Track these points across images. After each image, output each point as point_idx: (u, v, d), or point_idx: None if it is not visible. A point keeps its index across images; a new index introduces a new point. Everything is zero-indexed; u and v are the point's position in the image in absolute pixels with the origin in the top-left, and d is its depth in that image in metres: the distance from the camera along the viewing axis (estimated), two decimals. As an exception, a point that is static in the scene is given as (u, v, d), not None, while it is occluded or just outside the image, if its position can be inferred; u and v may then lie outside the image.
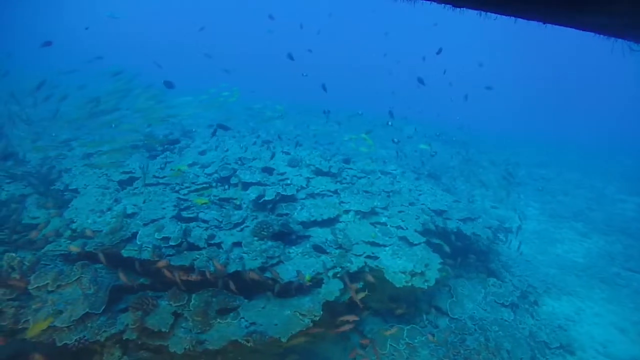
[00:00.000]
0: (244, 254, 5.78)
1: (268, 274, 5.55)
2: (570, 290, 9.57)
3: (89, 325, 4.67)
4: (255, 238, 6.11)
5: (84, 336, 4.54)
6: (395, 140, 13.11)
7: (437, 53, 13.01)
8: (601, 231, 13.63)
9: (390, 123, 12.91)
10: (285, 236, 6.48)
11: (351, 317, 5.42)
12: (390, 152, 17.32)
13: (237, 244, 6.03)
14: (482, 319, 6.84)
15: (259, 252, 5.79)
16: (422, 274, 6.58)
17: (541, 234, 13.43)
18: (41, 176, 8.19)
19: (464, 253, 8.30)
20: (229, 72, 14.97)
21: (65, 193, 7.75)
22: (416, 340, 6.25)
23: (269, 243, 6.01)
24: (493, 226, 9.30)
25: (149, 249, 5.62)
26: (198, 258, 5.52)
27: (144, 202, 7.11)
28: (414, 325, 6.52)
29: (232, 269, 5.47)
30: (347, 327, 5.44)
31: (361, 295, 5.64)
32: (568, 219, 14.75)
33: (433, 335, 6.40)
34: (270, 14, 13.34)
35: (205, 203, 7.13)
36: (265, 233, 6.10)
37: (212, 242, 5.92)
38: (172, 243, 5.69)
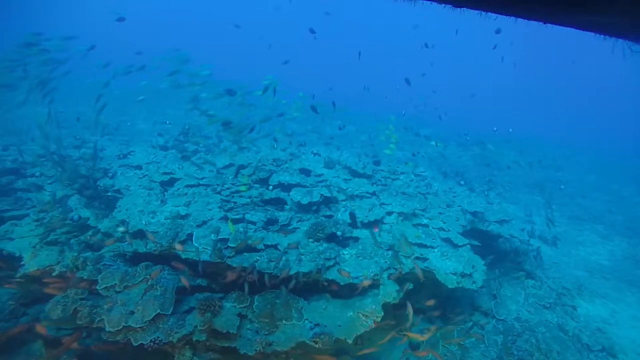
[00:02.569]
0: (301, 256, 5.81)
1: (330, 275, 5.58)
2: (602, 292, 9.63)
3: (160, 326, 4.70)
4: (310, 239, 6.15)
5: (158, 337, 4.57)
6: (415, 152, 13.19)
7: (425, 46, 12.83)
8: (623, 234, 13.72)
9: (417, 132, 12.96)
10: (335, 237, 6.53)
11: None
12: (406, 153, 17.43)
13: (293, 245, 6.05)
14: (527, 321, 6.89)
15: (316, 254, 5.82)
16: (470, 275, 6.64)
17: (563, 236, 13.49)
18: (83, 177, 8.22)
19: (501, 254, 8.36)
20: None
21: (108, 194, 7.78)
22: (467, 341, 6.30)
23: (325, 245, 6.05)
24: (526, 228, 9.36)
25: (207, 250, 5.66)
26: (259, 260, 5.56)
27: (186, 204, 7.14)
28: (462, 326, 6.58)
29: (292, 270, 5.50)
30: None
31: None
32: (588, 222, 14.84)
33: (482, 336, 6.46)
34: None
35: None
36: (320, 235, 6.14)
37: (268, 243, 5.95)
38: (231, 244, 5.72)
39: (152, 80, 10.16)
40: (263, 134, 10.87)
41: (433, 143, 13.87)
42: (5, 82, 9.33)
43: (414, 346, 6.35)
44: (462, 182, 12.11)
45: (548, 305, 7.56)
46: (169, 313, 4.82)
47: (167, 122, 11.48)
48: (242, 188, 7.72)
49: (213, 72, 9.20)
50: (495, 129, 19.04)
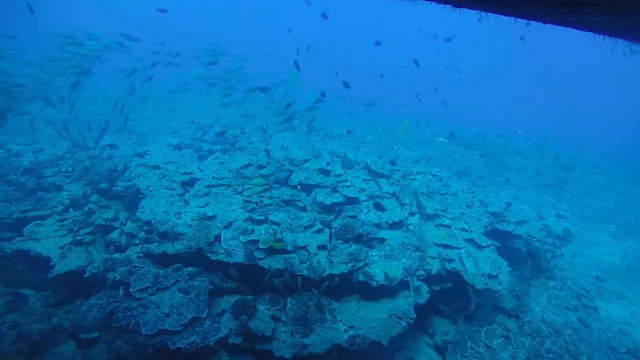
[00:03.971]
0: (331, 257, 5.78)
1: (361, 277, 5.55)
2: (620, 293, 9.63)
3: (197, 329, 4.66)
4: (340, 241, 6.11)
5: (195, 340, 4.54)
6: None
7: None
8: (634, 234, 13.72)
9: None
10: (362, 238, 6.49)
11: None
12: (414, 153, 17.37)
13: (322, 247, 6.02)
14: (553, 322, 6.87)
15: (346, 255, 5.79)
16: (496, 276, 6.62)
17: (575, 236, 13.48)
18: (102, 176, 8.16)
19: (522, 255, 8.34)
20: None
21: (128, 194, 7.72)
22: (494, 343, 6.29)
23: (354, 246, 6.01)
24: (542, 228, 9.35)
25: (236, 252, 5.62)
26: (290, 261, 5.51)
27: (206, 204, 7.10)
28: (489, 327, 6.55)
29: (324, 272, 5.47)
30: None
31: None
32: (599, 222, 14.84)
33: (508, 338, 6.44)
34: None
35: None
36: (349, 236, 6.10)
37: (299, 244, 5.91)
38: (261, 246, 5.68)
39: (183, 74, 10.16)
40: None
41: (441, 139, 13.87)
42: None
43: (440, 348, 6.33)
44: (478, 183, 12.08)
45: (571, 307, 7.55)
46: (204, 316, 4.78)
47: (195, 121, 11.37)
48: (257, 189, 7.67)
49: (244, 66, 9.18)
50: (520, 131, 19.06)
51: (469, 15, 3.13)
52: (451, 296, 6.76)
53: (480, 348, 6.19)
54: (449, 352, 6.05)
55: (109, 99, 11.06)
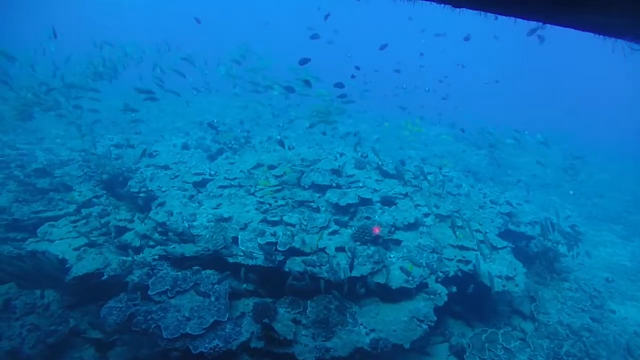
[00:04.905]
0: (349, 259, 5.72)
1: (379, 279, 5.50)
2: (631, 295, 9.60)
3: (218, 333, 4.60)
4: (357, 242, 6.05)
5: (217, 344, 4.48)
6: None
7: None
8: (642, 234, 13.69)
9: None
10: (379, 240, 6.43)
11: None
12: (419, 152, 17.33)
13: (340, 249, 5.97)
14: (570, 324, 6.83)
15: (366, 257, 5.73)
16: (513, 278, 6.58)
17: (583, 237, 13.44)
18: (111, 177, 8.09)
19: (534, 256, 8.30)
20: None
21: (140, 195, 7.64)
22: (512, 345, 6.24)
23: (372, 248, 5.96)
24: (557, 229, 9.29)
25: (255, 254, 5.56)
26: (309, 263, 5.46)
27: (219, 205, 7.04)
28: (505, 330, 6.51)
29: (343, 275, 5.41)
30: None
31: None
32: (606, 222, 14.81)
33: (524, 340, 6.40)
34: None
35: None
36: (367, 237, 6.05)
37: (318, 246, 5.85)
38: (280, 248, 5.62)
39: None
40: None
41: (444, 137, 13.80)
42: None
43: (457, 351, 6.29)
44: (488, 183, 12.03)
45: (585, 309, 7.51)
46: (225, 320, 4.73)
47: (215, 120, 11.30)
48: (266, 190, 7.63)
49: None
50: (527, 132, 19.05)
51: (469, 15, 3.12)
52: (465, 297, 6.72)
53: (499, 351, 6.15)
54: (467, 354, 6.00)
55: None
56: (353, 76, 11.65)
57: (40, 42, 12.39)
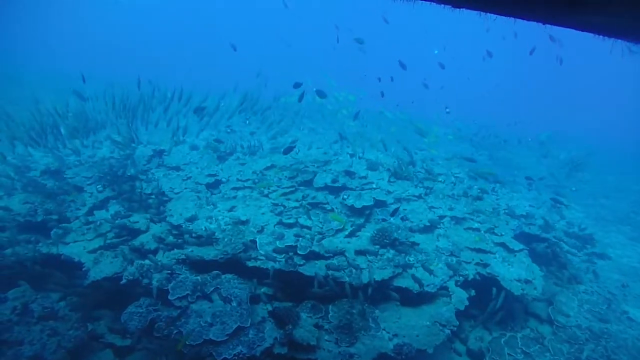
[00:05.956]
0: (369, 262, 5.66)
1: (401, 283, 5.43)
2: (644, 296, 9.53)
3: (242, 339, 4.53)
4: (377, 246, 5.99)
5: (241, 350, 4.41)
6: None
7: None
8: (651, 235, 13.65)
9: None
10: (397, 243, 6.37)
11: None
12: (425, 153, 17.24)
13: (359, 252, 5.90)
14: (589, 328, 6.78)
15: (386, 261, 5.67)
16: (531, 281, 6.52)
17: (593, 238, 13.40)
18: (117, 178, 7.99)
19: (549, 258, 8.25)
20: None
21: (151, 196, 7.56)
22: (531, 349, 6.19)
23: (392, 251, 5.89)
24: (567, 231, 9.25)
25: (276, 258, 5.48)
26: (330, 267, 5.39)
27: (233, 207, 6.96)
28: (524, 333, 6.45)
29: (365, 278, 5.35)
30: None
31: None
32: (614, 223, 14.77)
33: (543, 344, 6.34)
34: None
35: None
36: (387, 241, 5.98)
37: (338, 249, 5.79)
38: (300, 252, 5.55)
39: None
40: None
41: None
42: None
43: (475, 355, 6.23)
44: (497, 184, 11.96)
45: (603, 312, 7.45)
46: (248, 325, 4.65)
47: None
48: (281, 191, 7.58)
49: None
50: (530, 139, 19.07)
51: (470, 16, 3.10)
52: (481, 300, 6.66)
53: (518, 355, 6.09)
54: (487, 359, 5.95)
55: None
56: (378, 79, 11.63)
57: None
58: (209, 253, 5.54)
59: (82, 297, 5.53)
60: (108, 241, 6.25)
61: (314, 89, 8.86)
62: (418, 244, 6.64)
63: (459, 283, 5.96)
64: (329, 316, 5.06)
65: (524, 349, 6.18)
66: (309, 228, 6.70)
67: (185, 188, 7.67)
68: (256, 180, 8.03)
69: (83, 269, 5.44)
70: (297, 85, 8.78)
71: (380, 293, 5.51)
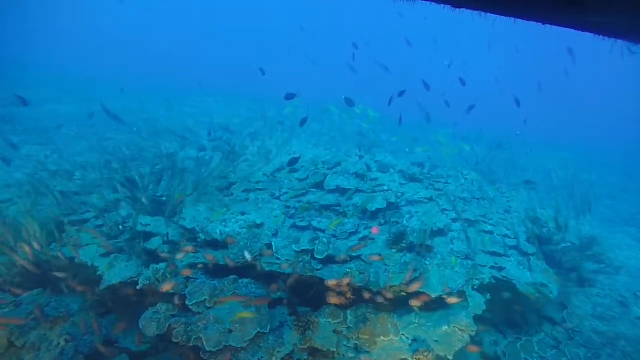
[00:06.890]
0: (387, 267, 5.60)
1: (417, 287, 5.37)
2: (655, 299, 9.50)
3: (262, 345, 4.48)
4: (393, 250, 5.93)
5: (261, 357, 4.35)
6: None
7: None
8: (658, 236, 13.63)
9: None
10: (413, 246, 6.32)
11: None
12: (430, 154, 17.19)
13: (375, 256, 5.84)
14: (604, 333, 6.74)
15: (403, 265, 5.61)
16: (547, 285, 6.48)
17: (599, 240, 13.37)
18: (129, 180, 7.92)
19: (560, 261, 8.22)
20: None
21: (162, 199, 7.50)
22: (548, 354, 6.14)
23: (409, 255, 5.84)
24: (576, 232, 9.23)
25: (292, 262, 5.43)
26: (349, 272, 5.34)
27: (243, 212, 6.89)
28: (539, 337, 6.41)
29: (382, 282, 5.29)
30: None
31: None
32: (620, 224, 14.75)
33: (558, 348, 6.30)
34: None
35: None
36: (404, 244, 5.93)
37: (353, 254, 5.73)
38: (318, 257, 5.49)
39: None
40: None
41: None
42: None
43: (490, 359, 6.19)
44: (504, 187, 11.93)
45: (617, 316, 7.42)
46: (268, 331, 4.60)
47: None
48: (293, 192, 7.53)
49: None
50: (518, 132, 19.05)
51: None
52: (497, 304, 6.62)
53: None
54: (504, 362, 5.90)
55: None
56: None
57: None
58: (228, 258, 5.47)
59: (95, 300, 5.47)
60: (120, 245, 6.19)
61: (343, 97, 8.78)
62: (433, 247, 6.60)
63: (475, 287, 5.90)
64: (348, 321, 5.00)
65: (540, 353, 6.14)
66: (323, 231, 6.65)
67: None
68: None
69: (97, 273, 5.37)
70: (289, 97, 8.60)
71: (399, 298, 5.45)
